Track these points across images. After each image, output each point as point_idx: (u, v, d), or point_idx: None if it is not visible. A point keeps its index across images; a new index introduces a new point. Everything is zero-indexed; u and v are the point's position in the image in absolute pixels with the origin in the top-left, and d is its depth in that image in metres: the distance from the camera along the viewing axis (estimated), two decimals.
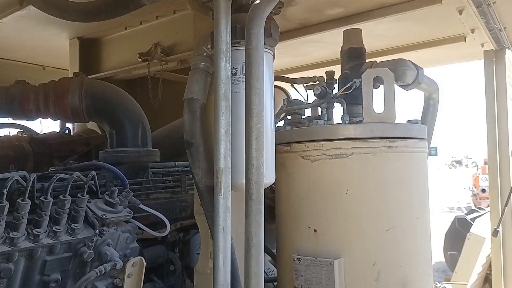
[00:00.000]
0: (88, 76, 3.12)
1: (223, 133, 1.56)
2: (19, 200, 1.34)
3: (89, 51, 3.35)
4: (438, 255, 7.97)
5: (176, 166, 2.60)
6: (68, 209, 1.47)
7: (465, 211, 9.27)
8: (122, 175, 1.81)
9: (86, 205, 1.55)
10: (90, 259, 1.49)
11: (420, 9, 2.66)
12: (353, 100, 2.10)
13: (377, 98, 1.92)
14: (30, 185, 1.36)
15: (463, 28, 3.07)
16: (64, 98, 2.22)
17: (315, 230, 1.86)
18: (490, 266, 3.93)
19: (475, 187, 14.70)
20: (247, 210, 1.44)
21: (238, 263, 1.67)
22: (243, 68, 1.64)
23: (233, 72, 1.73)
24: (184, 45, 2.72)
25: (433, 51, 3.55)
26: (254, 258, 1.39)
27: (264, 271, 2.56)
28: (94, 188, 1.69)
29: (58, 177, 1.46)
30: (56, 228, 1.42)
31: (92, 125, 3.10)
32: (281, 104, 2.56)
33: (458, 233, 6.43)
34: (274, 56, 1.93)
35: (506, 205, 2.99)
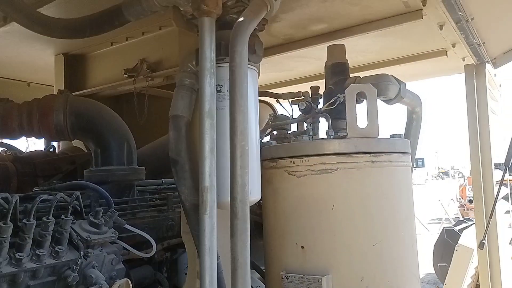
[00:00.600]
0: (74, 93, 3.11)
1: (208, 151, 1.55)
2: (0, 223, 1.31)
3: (74, 67, 3.33)
4: (428, 266, 8.00)
5: (163, 183, 2.57)
6: (51, 231, 1.44)
7: (453, 222, 9.34)
8: (107, 194, 1.79)
9: (71, 227, 1.52)
10: (75, 282, 1.46)
11: (402, 25, 2.73)
12: (338, 114, 2.12)
13: (361, 112, 1.95)
14: (12, 208, 1.33)
15: (444, 43, 3.15)
16: (48, 116, 2.20)
17: (302, 247, 1.85)
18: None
19: (462, 198, 14.85)
20: (233, 229, 1.43)
21: (226, 282, 1.65)
22: (228, 85, 1.65)
23: (218, 89, 1.74)
24: (170, 61, 2.72)
25: (416, 65, 3.63)
26: (241, 277, 1.38)
27: None
28: (79, 208, 1.66)
29: (41, 198, 1.44)
30: (40, 252, 1.40)
31: (77, 142, 3.07)
32: (267, 119, 2.57)
33: (447, 244, 6.46)
34: (259, 72, 1.95)
35: (490, 217, 3.02)
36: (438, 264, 6.80)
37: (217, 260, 1.64)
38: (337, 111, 2.08)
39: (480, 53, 3.30)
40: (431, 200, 18.22)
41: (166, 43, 2.70)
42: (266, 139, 2.37)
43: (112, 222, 1.67)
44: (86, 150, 2.95)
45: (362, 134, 1.88)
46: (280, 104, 2.71)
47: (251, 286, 2.55)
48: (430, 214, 16.89)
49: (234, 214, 1.45)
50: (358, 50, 3.33)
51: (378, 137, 1.90)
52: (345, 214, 1.83)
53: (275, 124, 2.42)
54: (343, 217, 1.83)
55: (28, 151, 3.18)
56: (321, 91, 2.43)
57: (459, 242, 5.38)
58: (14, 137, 2.41)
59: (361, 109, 1.97)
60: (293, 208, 1.91)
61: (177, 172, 1.74)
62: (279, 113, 2.84)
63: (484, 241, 3.00)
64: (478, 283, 5.03)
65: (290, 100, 2.47)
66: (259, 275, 2.55)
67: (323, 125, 2.24)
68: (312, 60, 3.56)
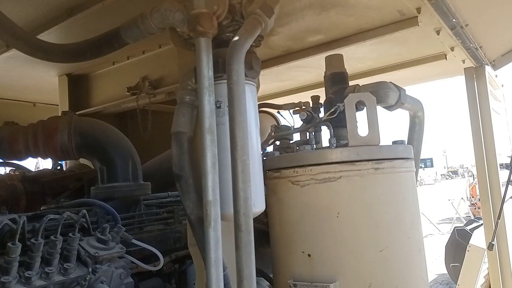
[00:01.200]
0: (78, 111, 3.18)
1: (210, 166, 1.58)
2: (9, 244, 1.34)
3: (78, 86, 3.40)
4: (440, 267, 7.91)
5: (169, 196, 2.60)
6: (59, 249, 1.47)
7: (464, 222, 9.25)
8: (114, 211, 1.82)
9: (78, 244, 1.55)
10: None
11: (398, 32, 2.75)
12: (339, 123, 2.13)
13: (363, 120, 1.97)
14: (20, 228, 1.36)
15: (443, 47, 3.16)
16: (53, 137, 2.24)
17: (309, 255, 1.85)
18: None
19: (472, 197, 14.71)
20: (237, 241, 1.45)
21: None
22: (227, 101, 1.68)
23: (218, 105, 1.77)
24: (171, 77, 2.77)
25: (417, 69, 3.64)
26: None
27: None
28: (86, 225, 1.69)
29: (48, 218, 1.47)
30: (48, 269, 1.43)
31: (84, 160, 3.11)
32: (270, 130, 2.60)
33: (458, 244, 6.40)
34: (258, 85, 1.98)
35: (498, 218, 3.00)
36: (451, 265, 6.73)
37: (224, 271, 1.66)
38: (338, 119, 2.09)
39: (478, 56, 3.31)
40: (441, 199, 18.09)
41: (167, 61, 2.76)
42: (270, 148, 2.40)
43: (119, 238, 1.70)
44: (93, 167, 2.99)
45: (363, 142, 1.89)
46: (281, 115, 2.74)
47: None
48: (440, 214, 16.75)
49: (238, 227, 1.47)
50: (357, 57, 3.35)
51: (380, 144, 1.91)
52: (350, 222, 1.83)
53: (278, 135, 2.44)
54: (348, 225, 1.83)
55: (37, 169, 3.24)
56: (322, 100, 2.46)
57: (470, 242, 5.32)
58: (21, 158, 2.46)
59: (363, 116, 2.00)
60: (298, 217, 1.91)
61: (181, 187, 1.77)
62: (281, 123, 2.86)
63: (494, 242, 2.98)
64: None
65: (291, 110, 2.50)
66: (268, 283, 2.55)
67: (325, 133, 2.26)
68: (311, 69, 3.59)
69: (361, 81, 2.48)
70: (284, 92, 4.37)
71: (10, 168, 3.12)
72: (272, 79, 3.94)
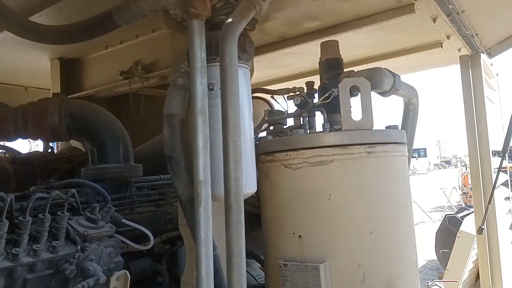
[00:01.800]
0: (71, 95, 3.14)
1: (201, 147, 1.58)
2: None
3: (70, 70, 3.35)
4: (431, 253, 8.03)
5: (161, 179, 2.60)
6: (48, 227, 1.47)
7: (456, 210, 9.37)
8: (104, 191, 1.82)
9: (67, 222, 1.55)
10: (73, 275, 1.49)
11: (395, 19, 2.73)
12: (333, 108, 2.14)
13: (357, 106, 1.97)
14: (7, 206, 1.36)
15: (439, 35, 3.15)
16: (43, 118, 2.23)
17: (299, 236, 1.87)
18: None
19: (464, 186, 14.87)
20: (227, 220, 1.46)
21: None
22: (220, 83, 1.67)
23: (210, 87, 1.77)
24: (164, 62, 2.74)
25: (412, 58, 3.63)
26: (236, 267, 1.40)
27: (254, 277, 2.59)
28: (76, 205, 1.69)
29: (37, 196, 1.47)
30: (36, 247, 1.42)
31: (75, 143, 3.10)
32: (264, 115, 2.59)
33: (449, 231, 6.50)
34: (252, 70, 1.97)
35: (489, 203, 3.03)
36: (441, 251, 6.84)
37: (214, 251, 1.67)
38: (332, 105, 2.10)
39: (474, 43, 3.30)
40: (434, 189, 18.25)
41: (160, 45, 2.72)
42: (263, 135, 2.39)
43: (109, 217, 1.70)
44: (84, 150, 2.98)
45: (357, 126, 1.91)
46: (275, 100, 2.73)
47: (251, 275, 2.59)
48: (432, 202, 16.93)
49: (228, 206, 1.47)
50: (353, 44, 3.33)
51: (373, 128, 1.92)
52: (341, 204, 1.85)
53: (271, 119, 2.44)
54: (339, 207, 1.85)
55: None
56: (316, 87, 2.45)
57: (460, 228, 5.41)
58: (10, 139, 2.45)
59: (357, 102, 2.00)
60: (290, 200, 1.93)
61: (173, 168, 1.78)
62: (275, 109, 2.85)
63: (483, 227, 3.02)
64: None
65: (285, 96, 2.50)
66: (260, 265, 2.58)
67: (319, 119, 2.26)
68: (307, 56, 3.57)
69: (357, 69, 2.47)
70: (279, 79, 4.36)
71: (1, 150, 3.10)
72: (267, 66, 3.92)
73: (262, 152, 2.06)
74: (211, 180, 1.60)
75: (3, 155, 2.86)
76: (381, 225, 1.87)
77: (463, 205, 10.93)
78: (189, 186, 1.71)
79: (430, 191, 19.10)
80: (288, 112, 2.45)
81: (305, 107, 2.24)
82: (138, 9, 1.83)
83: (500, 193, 3.73)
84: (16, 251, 1.36)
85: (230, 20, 1.61)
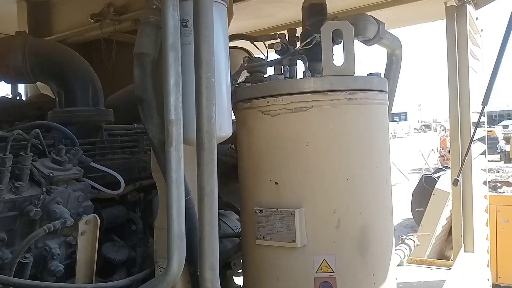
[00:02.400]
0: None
1: (173, 85, 1.49)
2: None
3: (38, 14, 3.19)
4: (407, 212, 8.30)
5: (136, 128, 2.52)
6: (9, 167, 1.39)
7: (432, 171, 9.61)
8: (71, 133, 1.74)
9: (32, 164, 1.47)
10: (38, 217, 1.44)
11: None
12: (315, 56, 2.06)
13: (339, 54, 1.90)
14: None
15: None
16: (5, 57, 2.10)
17: (276, 183, 1.85)
18: None
19: (442, 149, 15.26)
20: (199, 160, 1.41)
21: None
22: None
23: (184, 24, 1.66)
24: (137, 3, 2.62)
25: (398, 10, 3.53)
26: (207, 206, 1.36)
27: (232, 228, 2.59)
28: (41, 147, 1.61)
29: None
30: None
31: (45, 89, 2.97)
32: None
33: (425, 190, 6.68)
34: (231, 12, 1.86)
35: (466, 155, 3.07)
36: (416, 209, 7.06)
37: (188, 196, 1.63)
38: (314, 53, 2.02)
39: None
40: (413, 152, 18.64)
41: None
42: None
43: (77, 160, 1.62)
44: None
45: (338, 72, 1.85)
46: (256, 46, 2.63)
47: (229, 225, 2.59)
48: (410, 164, 17.35)
49: (200, 146, 1.42)
50: None
51: (355, 75, 1.86)
52: (319, 150, 1.82)
53: (250, 66, 2.35)
54: (317, 153, 1.82)
55: None
56: (299, 34, 2.35)
57: (436, 186, 5.55)
58: None
59: (340, 50, 1.92)
60: (267, 147, 1.89)
61: (144, 110, 1.70)
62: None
63: (459, 178, 3.07)
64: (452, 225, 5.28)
65: (266, 43, 2.40)
66: (238, 216, 2.57)
67: (300, 68, 2.19)
68: (290, 5, 3.43)
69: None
70: (262, 30, 4.22)
71: None
72: (248, 15, 3.77)
73: (240, 100, 2.00)
74: (184, 123, 1.53)
75: None
76: (358, 172, 1.86)
77: (440, 167, 11.23)
78: (161, 129, 1.63)
79: (409, 154, 19.52)
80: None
81: (286, 54, 2.16)
82: None
83: (477, 148, 3.79)
84: None
85: None
